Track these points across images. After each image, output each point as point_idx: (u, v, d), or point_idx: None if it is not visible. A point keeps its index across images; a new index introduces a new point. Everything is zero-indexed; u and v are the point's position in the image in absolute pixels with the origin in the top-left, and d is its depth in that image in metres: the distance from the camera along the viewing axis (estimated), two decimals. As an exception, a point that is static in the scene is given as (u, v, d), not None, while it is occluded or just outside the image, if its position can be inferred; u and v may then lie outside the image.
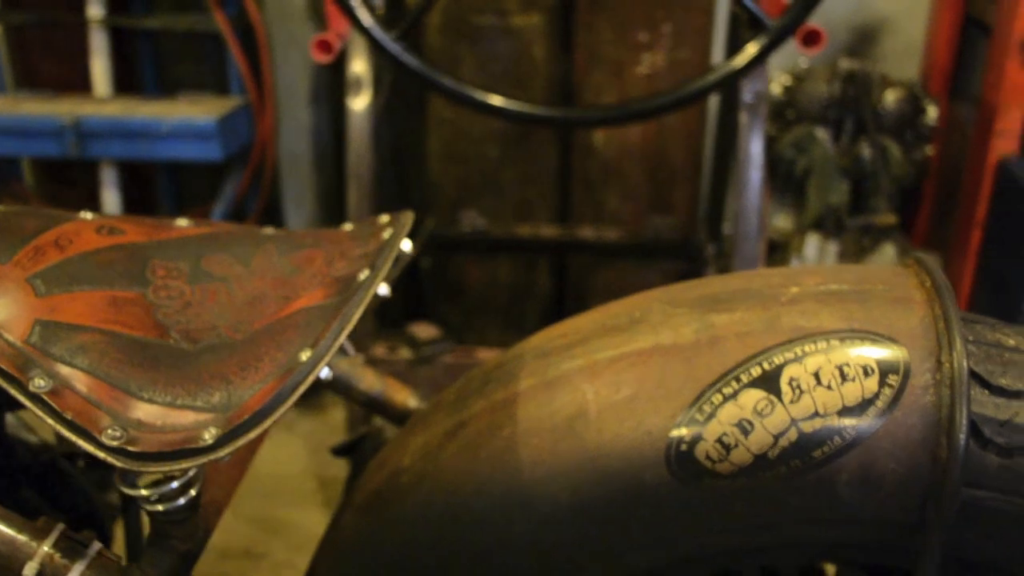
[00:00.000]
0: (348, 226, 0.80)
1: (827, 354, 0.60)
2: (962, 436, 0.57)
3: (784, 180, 2.15)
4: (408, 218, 0.71)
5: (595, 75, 2.11)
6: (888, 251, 2.06)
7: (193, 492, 0.67)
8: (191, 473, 0.66)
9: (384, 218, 0.76)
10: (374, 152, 1.45)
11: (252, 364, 0.61)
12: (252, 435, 0.58)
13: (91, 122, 1.87)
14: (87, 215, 0.75)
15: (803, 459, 0.59)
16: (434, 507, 0.67)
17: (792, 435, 0.59)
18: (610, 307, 0.71)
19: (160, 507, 0.66)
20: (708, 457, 0.60)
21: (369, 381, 0.90)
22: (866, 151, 2.05)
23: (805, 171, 2.11)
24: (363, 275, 0.66)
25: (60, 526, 0.64)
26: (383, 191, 2.09)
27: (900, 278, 0.65)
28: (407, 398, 0.91)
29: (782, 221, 2.18)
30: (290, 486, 1.92)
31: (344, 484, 1.03)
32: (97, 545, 0.64)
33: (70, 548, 0.64)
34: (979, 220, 1.86)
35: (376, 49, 1.33)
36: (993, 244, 1.84)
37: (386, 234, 0.70)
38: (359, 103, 1.42)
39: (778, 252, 2.19)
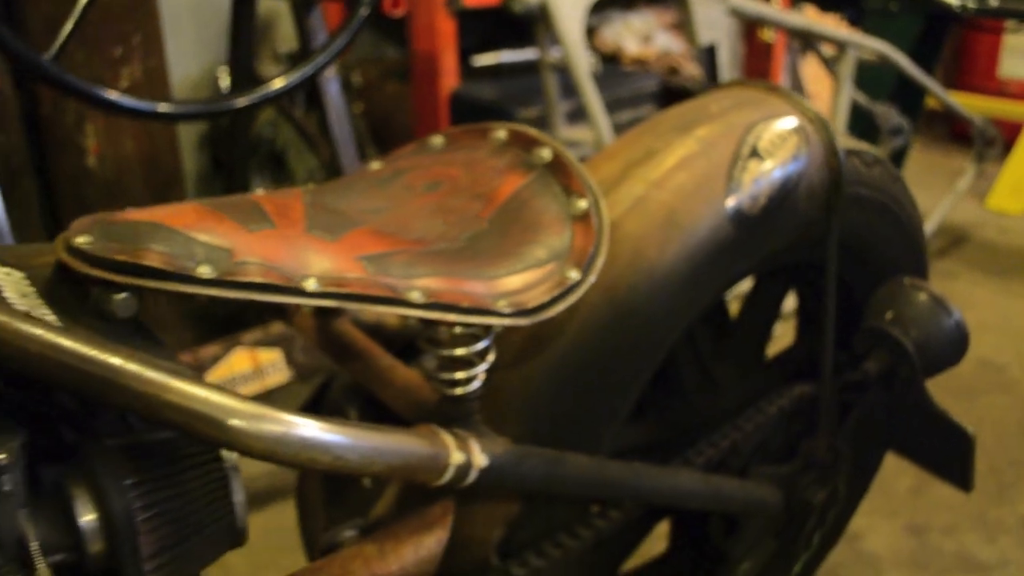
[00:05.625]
0: (370, 163, 0.93)
1: (767, 130, 1.00)
2: (841, 151, 1.03)
3: (267, 157, 2.39)
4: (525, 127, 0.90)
5: (72, 100, 2.08)
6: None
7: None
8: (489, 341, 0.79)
9: (442, 133, 0.92)
10: None
11: (539, 228, 0.78)
12: (601, 259, 0.77)
13: None
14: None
15: (785, 190, 0.99)
16: (597, 316, 0.91)
17: (778, 177, 0.98)
18: (615, 151, 0.99)
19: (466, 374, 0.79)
20: (748, 207, 0.96)
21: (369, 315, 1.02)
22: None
23: (283, 145, 2.38)
24: (545, 153, 0.84)
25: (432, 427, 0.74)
26: None
27: (739, 91, 1.07)
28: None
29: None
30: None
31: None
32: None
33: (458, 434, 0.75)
34: (447, 142, 2.35)
35: (33, 73, 1.30)
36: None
37: (501, 133, 0.88)
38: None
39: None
